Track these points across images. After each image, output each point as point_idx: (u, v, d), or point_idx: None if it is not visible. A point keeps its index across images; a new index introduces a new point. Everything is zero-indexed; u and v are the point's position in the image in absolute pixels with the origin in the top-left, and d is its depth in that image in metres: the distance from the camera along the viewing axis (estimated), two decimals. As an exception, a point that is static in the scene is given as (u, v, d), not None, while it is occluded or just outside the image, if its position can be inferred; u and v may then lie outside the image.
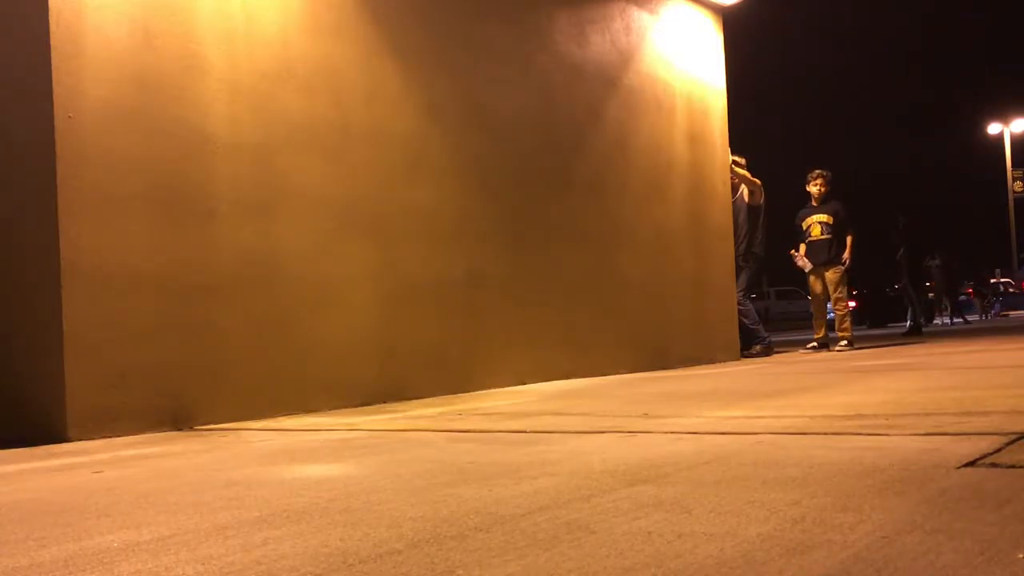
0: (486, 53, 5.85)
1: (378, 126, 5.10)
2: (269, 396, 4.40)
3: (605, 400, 4.40)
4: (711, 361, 7.59)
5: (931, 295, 20.33)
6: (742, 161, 8.89)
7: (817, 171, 9.20)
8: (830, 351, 8.71)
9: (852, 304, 27.58)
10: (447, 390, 5.27)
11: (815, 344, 9.06)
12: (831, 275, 9.00)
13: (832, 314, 9.37)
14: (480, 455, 2.59)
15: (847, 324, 9.23)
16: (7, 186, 3.97)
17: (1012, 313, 27.72)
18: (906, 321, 14.41)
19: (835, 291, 9.01)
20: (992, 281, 30.82)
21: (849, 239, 8.99)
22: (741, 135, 9.20)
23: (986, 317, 25.02)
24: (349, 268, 4.89)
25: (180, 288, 4.12)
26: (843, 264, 8.95)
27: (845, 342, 8.95)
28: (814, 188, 9.16)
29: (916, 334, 12.63)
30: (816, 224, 9.07)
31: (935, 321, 20.70)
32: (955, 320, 21.18)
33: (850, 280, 9.32)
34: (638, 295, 6.98)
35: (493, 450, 2.71)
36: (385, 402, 4.88)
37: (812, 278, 9.17)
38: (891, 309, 21.93)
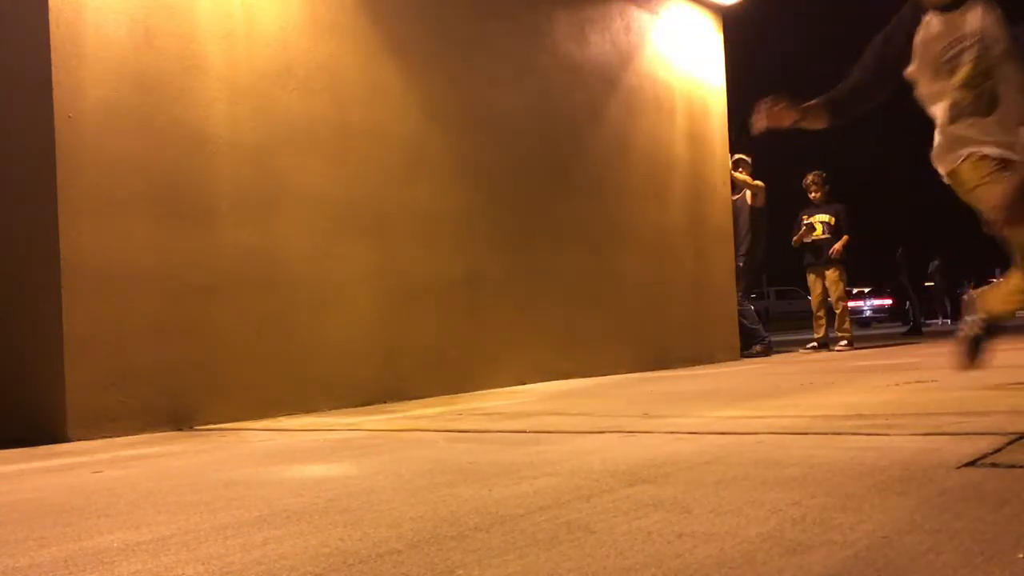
0: (486, 53, 5.85)
1: (378, 126, 5.10)
2: (269, 396, 4.40)
3: (605, 400, 4.40)
4: (711, 361, 7.59)
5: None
6: (748, 159, 8.88)
7: (811, 174, 9.21)
8: (830, 351, 8.71)
9: (888, 302, 27.48)
10: (447, 390, 5.27)
11: (815, 344, 9.06)
12: (831, 275, 9.00)
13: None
14: (480, 455, 2.59)
15: (847, 324, 9.23)
16: (7, 186, 3.97)
17: None
18: (938, 319, 14.39)
19: (835, 290, 9.01)
20: (992, 281, 30.81)
21: (844, 239, 8.97)
22: (741, 135, 9.18)
23: None
24: (349, 268, 4.89)
25: (180, 288, 4.12)
26: (834, 256, 8.91)
27: (845, 342, 8.95)
28: (811, 191, 9.18)
29: (916, 334, 12.65)
30: (818, 224, 9.07)
31: (935, 321, 20.70)
32: (955, 320, 21.18)
33: (849, 279, 9.31)
34: (638, 295, 6.98)
35: (493, 450, 2.71)
36: (385, 402, 4.88)
37: (812, 277, 9.17)
38: (926, 307, 21.47)
